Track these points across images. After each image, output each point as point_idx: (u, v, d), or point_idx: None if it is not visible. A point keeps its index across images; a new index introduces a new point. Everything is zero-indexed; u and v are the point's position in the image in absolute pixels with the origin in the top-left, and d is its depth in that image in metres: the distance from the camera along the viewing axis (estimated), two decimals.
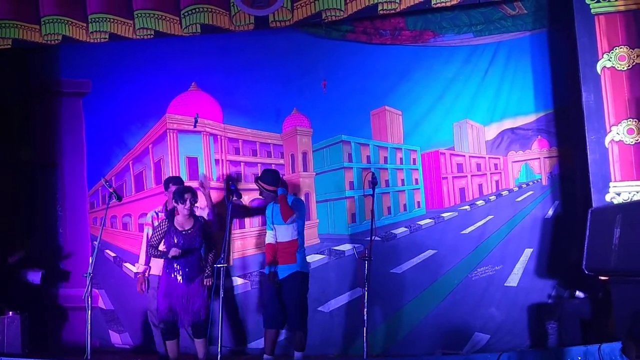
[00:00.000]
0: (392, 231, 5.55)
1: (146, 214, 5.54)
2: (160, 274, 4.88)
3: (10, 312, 5.09)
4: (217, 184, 5.74)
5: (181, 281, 4.73)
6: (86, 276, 4.46)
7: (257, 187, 5.02)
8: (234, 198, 4.85)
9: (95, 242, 4.84)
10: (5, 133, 6.04)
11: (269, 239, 4.96)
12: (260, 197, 5.12)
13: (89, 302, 4.41)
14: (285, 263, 4.81)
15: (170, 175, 5.73)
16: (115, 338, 5.79)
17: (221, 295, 4.40)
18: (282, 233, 4.87)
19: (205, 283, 4.80)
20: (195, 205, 4.85)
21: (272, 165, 5.80)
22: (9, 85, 6.09)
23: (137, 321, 5.71)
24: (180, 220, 4.82)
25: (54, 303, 5.91)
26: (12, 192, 6.07)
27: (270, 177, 4.90)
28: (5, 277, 5.68)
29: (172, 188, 5.05)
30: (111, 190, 4.81)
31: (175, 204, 4.79)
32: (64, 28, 5.45)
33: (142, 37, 5.40)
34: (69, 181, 6.10)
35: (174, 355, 4.78)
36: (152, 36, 5.39)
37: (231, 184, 4.82)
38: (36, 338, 5.35)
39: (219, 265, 4.47)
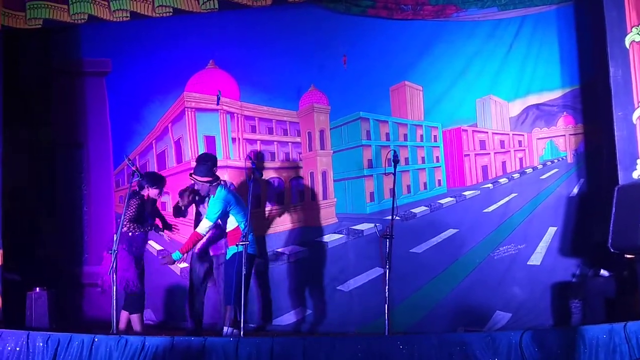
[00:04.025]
0: (412, 210, 5.51)
1: (168, 193, 5.59)
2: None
3: (37, 289, 5.21)
4: (234, 163, 5.74)
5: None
6: (111, 253, 4.53)
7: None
8: (256, 176, 4.84)
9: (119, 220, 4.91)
10: (29, 113, 6.12)
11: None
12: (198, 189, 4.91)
13: (114, 278, 4.48)
14: (231, 245, 4.84)
15: (190, 153, 5.77)
16: None
17: (243, 272, 4.42)
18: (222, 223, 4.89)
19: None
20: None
21: (289, 143, 5.78)
22: (32, 66, 6.16)
23: (159, 298, 5.78)
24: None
25: (79, 280, 6.02)
26: (36, 171, 6.16)
27: (202, 169, 4.80)
28: (32, 254, 5.81)
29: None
30: (134, 168, 4.86)
31: (147, 188, 4.92)
32: (90, 7, 5.55)
33: (161, 14, 5.44)
34: (94, 160, 6.17)
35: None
36: (170, 13, 5.43)
37: (252, 161, 4.81)
38: (63, 313, 5.47)
39: (241, 243, 4.50)
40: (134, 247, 4.88)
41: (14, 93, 5.83)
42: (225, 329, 4.75)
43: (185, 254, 4.86)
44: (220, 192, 4.82)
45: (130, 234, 4.85)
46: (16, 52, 5.99)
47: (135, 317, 4.92)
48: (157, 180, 5.05)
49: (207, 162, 4.87)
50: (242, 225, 4.72)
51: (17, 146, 5.86)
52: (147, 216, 4.99)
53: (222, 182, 4.96)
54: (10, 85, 5.74)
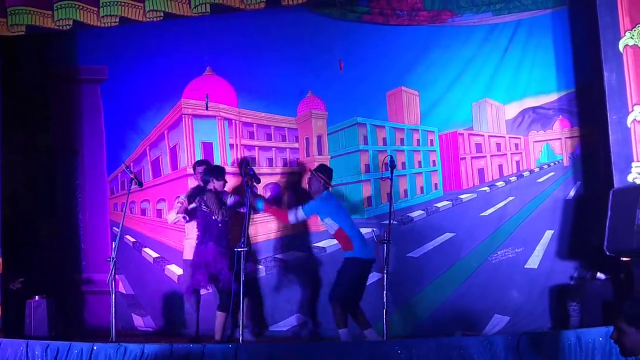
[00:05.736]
0: (409, 214, 5.51)
1: (164, 199, 5.59)
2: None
3: (37, 297, 5.20)
4: (231, 169, 5.75)
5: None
6: (109, 261, 4.51)
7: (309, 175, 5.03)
8: (254, 182, 4.84)
9: (115, 228, 4.88)
10: (25, 120, 6.12)
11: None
12: (309, 188, 5.05)
13: (113, 286, 4.47)
14: (345, 250, 4.84)
15: (187, 160, 5.79)
16: (138, 321, 5.86)
17: (242, 279, 4.42)
18: (326, 226, 4.93)
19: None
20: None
21: (287, 149, 5.79)
22: (28, 72, 6.16)
23: (157, 305, 5.78)
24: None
25: (77, 288, 6.01)
26: (32, 178, 6.16)
27: (325, 170, 4.98)
28: (31, 261, 5.81)
29: (199, 169, 5.16)
30: (132, 176, 4.85)
31: (213, 181, 4.87)
32: (75, 13, 5.46)
33: (152, 19, 5.39)
34: (88, 167, 6.16)
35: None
36: (161, 18, 5.37)
37: (249, 168, 4.80)
38: (62, 321, 5.46)
39: (239, 250, 4.50)
40: (225, 239, 4.82)
41: (12, 97, 5.83)
42: (341, 331, 4.67)
43: (263, 210, 5.02)
44: (326, 195, 4.90)
45: (219, 225, 4.78)
46: (13, 57, 5.97)
47: (222, 316, 4.80)
48: (221, 172, 5.02)
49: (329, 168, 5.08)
50: (346, 228, 4.76)
51: (14, 150, 5.86)
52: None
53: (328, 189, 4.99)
54: (8, 88, 5.73)
